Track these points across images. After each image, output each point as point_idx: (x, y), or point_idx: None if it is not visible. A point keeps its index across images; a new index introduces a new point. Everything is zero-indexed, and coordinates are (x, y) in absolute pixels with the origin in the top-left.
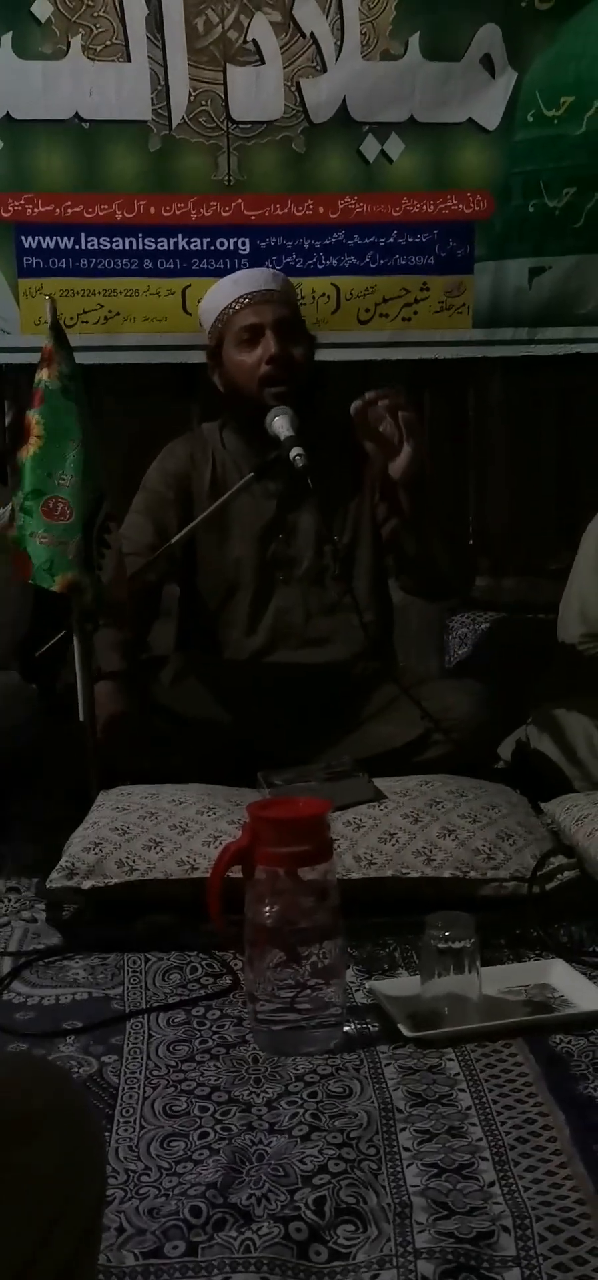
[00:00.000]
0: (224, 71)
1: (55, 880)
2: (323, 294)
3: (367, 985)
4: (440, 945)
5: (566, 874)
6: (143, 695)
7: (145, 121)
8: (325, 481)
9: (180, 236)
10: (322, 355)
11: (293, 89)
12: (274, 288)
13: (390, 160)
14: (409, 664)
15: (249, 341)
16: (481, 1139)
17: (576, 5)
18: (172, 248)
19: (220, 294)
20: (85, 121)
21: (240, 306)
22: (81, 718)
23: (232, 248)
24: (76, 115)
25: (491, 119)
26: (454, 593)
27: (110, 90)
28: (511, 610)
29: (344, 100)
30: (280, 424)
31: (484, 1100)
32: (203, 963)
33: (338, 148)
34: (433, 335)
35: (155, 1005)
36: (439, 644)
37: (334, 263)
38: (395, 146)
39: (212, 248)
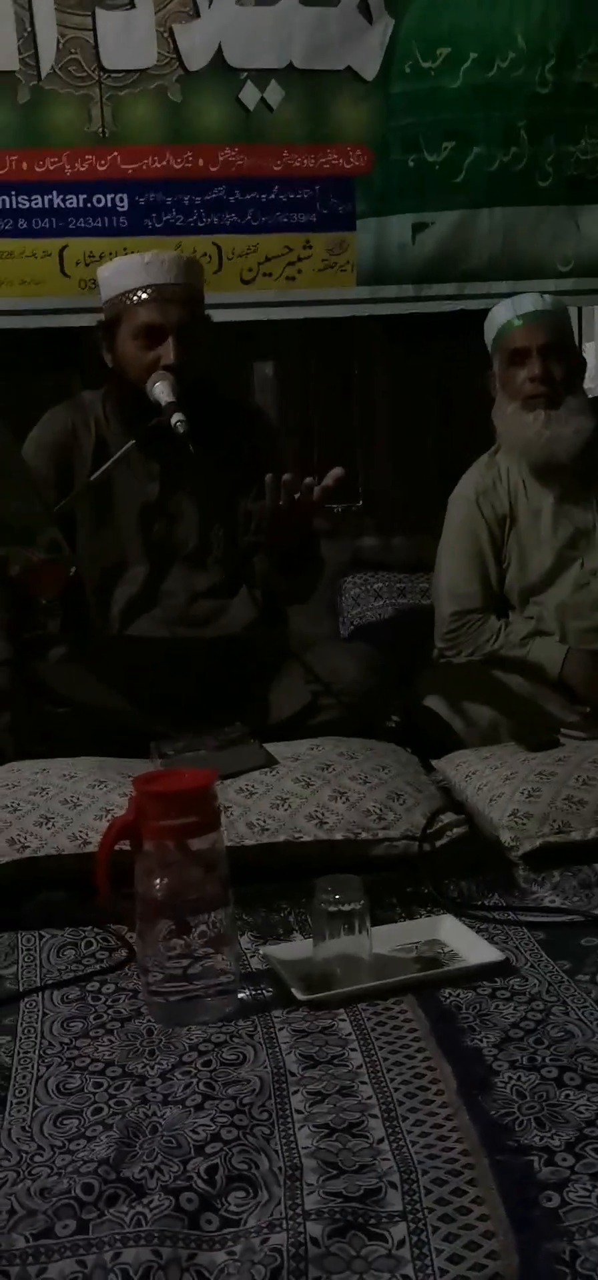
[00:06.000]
0: (93, 16)
1: None
2: (204, 253)
3: (261, 951)
4: (330, 909)
5: (455, 830)
6: (29, 678)
7: (13, 72)
8: (216, 458)
9: (55, 193)
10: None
11: (166, 35)
12: (182, 282)
13: (271, 109)
14: (302, 629)
15: (148, 340)
16: (370, 1097)
17: None
18: (47, 205)
19: (126, 273)
20: None
21: (144, 299)
22: None
23: (109, 204)
24: None
25: (369, 69)
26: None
27: None
28: (400, 570)
29: (220, 47)
30: (161, 389)
31: (375, 1058)
32: (98, 937)
33: (216, 96)
34: (317, 294)
35: (49, 983)
36: (332, 606)
37: (215, 220)
38: (275, 94)
39: (89, 205)
